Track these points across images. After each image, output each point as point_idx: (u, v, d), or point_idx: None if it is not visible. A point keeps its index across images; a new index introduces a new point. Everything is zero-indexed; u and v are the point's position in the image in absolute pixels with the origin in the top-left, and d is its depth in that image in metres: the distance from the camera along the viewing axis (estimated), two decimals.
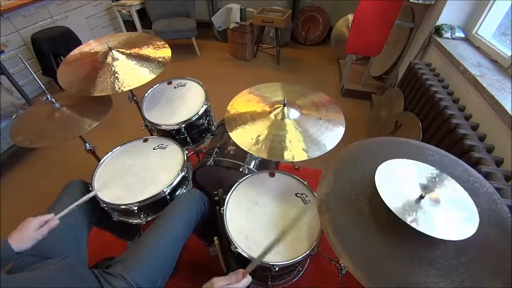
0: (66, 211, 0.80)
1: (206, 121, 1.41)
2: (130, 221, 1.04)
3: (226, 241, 0.86)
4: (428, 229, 0.53)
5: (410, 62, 1.68)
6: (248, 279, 0.65)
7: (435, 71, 1.56)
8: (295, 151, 0.88)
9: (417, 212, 0.57)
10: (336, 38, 2.99)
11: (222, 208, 0.92)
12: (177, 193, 1.08)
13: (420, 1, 1.73)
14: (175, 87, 1.45)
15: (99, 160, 1.11)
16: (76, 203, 0.84)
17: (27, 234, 0.70)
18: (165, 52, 1.23)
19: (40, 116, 1.05)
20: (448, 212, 0.57)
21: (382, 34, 1.94)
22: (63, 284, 0.65)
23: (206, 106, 1.33)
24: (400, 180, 0.63)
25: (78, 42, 2.61)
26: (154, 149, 1.15)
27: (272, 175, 1.04)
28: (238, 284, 0.63)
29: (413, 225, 0.54)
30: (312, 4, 3.26)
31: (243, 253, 0.81)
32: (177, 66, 3.12)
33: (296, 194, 0.97)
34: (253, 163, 1.23)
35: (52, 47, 2.42)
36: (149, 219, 1.05)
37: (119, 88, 1.06)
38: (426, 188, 0.61)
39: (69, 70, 1.14)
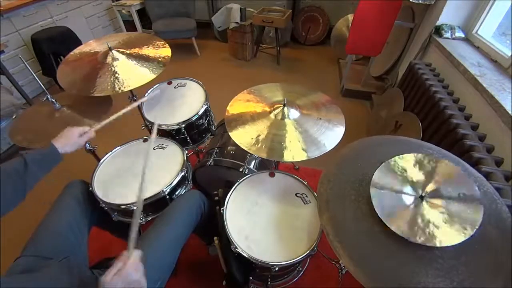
0: (103, 123, 0.89)
1: (206, 121, 1.41)
2: (130, 221, 1.04)
3: (226, 241, 0.86)
4: (428, 239, 0.53)
5: (410, 62, 1.68)
6: (135, 254, 0.59)
7: (435, 71, 1.56)
8: (295, 151, 0.88)
9: (419, 222, 0.57)
10: (336, 38, 2.99)
11: (222, 208, 0.92)
12: (177, 193, 1.08)
13: (420, 1, 1.73)
14: (175, 87, 1.45)
15: (99, 160, 1.11)
16: (121, 111, 0.92)
17: (72, 138, 0.80)
18: (165, 52, 1.23)
19: (40, 116, 1.05)
20: (448, 209, 0.57)
21: (382, 34, 1.94)
22: (63, 284, 0.65)
23: (206, 106, 1.33)
24: (398, 183, 0.63)
25: (78, 42, 2.61)
26: (154, 149, 1.15)
27: (272, 175, 1.04)
28: (128, 265, 0.56)
29: (416, 240, 0.54)
30: (312, 4, 3.26)
31: (243, 253, 0.81)
32: (177, 66, 3.12)
33: (296, 194, 0.97)
34: (253, 163, 1.23)
35: (52, 47, 2.42)
36: (149, 219, 1.05)
37: (119, 89, 1.06)
38: (426, 184, 0.62)
39: (69, 70, 1.14)
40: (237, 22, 2.87)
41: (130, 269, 0.56)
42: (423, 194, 0.60)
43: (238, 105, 1.07)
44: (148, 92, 1.32)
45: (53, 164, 0.79)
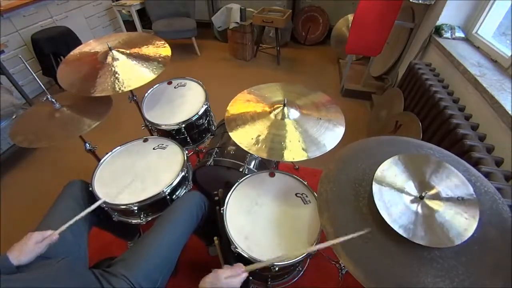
0: (65, 226, 0.77)
1: (206, 121, 1.41)
2: (130, 221, 1.04)
3: (226, 241, 0.86)
4: (426, 238, 0.54)
5: (410, 62, 1.68)
6: (246, 274, 0.67)
7: (435, 71, 1.56)
8: (295, 151, 0.88)
9: (416, 219, 0.57)
10: (336, 38, 2.99)
11: (222, 208, 0.92)
12: (177, 193, 1.08)
13: (420, 1, 1.73)
14: (175, 87, 1.45)
15: (99, 160, 1.11)
16: (77, 217, 0.80)
17: (27, 248, 0.70)
18: (165, 52, 1.22)
19: (40, 116, 1.05)
20: (448, 209, 0.57)
21: (382, 34, 1.94)
22: (63, 284, 0.65)
23: (206, 106, 1.33)
24: (399, 183, 0.63)
25: (78, 42, 2.61)
26: (154, 149, 1.15)
27: (272, 175, 1.04)
28: (239, 277, 0.65)
29: (413, 238, 0.54)
30: (312, 4, 3.26)
31: (243, 253, 0.81)
32: (177, 66, 3.12)
33: (296, 194, 0.97)
34: (253, 163, 1.23)
35: (52, 47, 2.42)
36: (149, 219, 1.05)
37: (120, 89, 1.06)
38: (426, 185, 0.62)
39: (69, 70, 1.14)
40: (237, 22, 2.87)
41: (237, 283, 0.65)
42: (423, 195, 0.60)
43: (238, 105, 1.07)
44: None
45: (7, 273, 0.68)
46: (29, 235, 0.72)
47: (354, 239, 0.58)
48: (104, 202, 0.95)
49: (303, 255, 0.81)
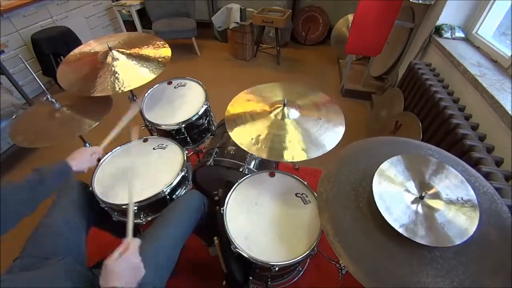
0: (108, 140, 0.95)
1: (206, 121, 1.41)
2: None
3: (226, 241, 0.86)
4: (426, 238, 0.54)
5: (410, 62, 1.68)
6: (135, 241, 0.65)
7: (435, 71, 1.56)
8: (295, 151, 0.88)
9: (417, 219, 0.57)
10: (336, 38, 2.99)
11: (222, 208, 0.92)
12: (177, 193, 1.08)
13: (420, 1, 1.73)
14: (175, 87, 1.45)
15: (99, 160, 1.11)
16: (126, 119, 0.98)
17: (86, 157, 0.86)
18: (165, 52, 1.22)
19: (40, 116, 1.05)
20: (448, 209, 0.57)
21: (382, 34, 1.94)
22: (62, 284, 0.65)
23: (206, 106, 1.33)
24: (399, 183, 0.63)
25: (78, 42, 2.61)
26: (154, 149, 1.15)
27: (272, 175, 1.04)
28: (130, 250, 0.63)
29: (413, 237, 0.54)
30: (312, 4, 3.26)
31: (243, 253, 0.81)
32: (177, 66, 3.12)
33: (296, 194, 0.97)
34: (253, 163, 1.23)
35: (52, 47, 2.42)
36: (149, 219, 1.05)
37: (119, 89, 1.06)
38: (426, 185, 0.62)
39: (69, 70, 1.14)
40: (237, 22, 2.87)
41: (132, 254, 0.62)
42: (423, 194, 0.60)
43: (238, 105, 1.07)
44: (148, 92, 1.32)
45: (65, 179, 0.84)
46: (83, 149, 0.88)
47: (354, 239, 0.58)
48: (104, 202, 0.95)
49: (302, 256, 0.80)
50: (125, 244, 0.64)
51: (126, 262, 0.60)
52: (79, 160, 0.85)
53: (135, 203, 0.94)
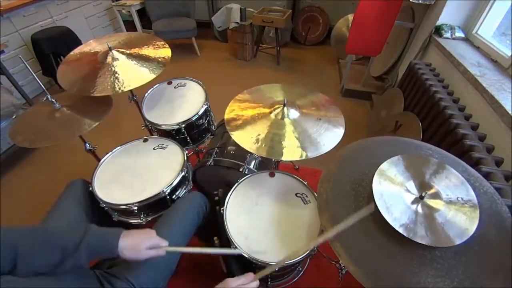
0: (177, 249, 0.76)
1: (206, 121, 1.41)
2: (130, 221, 1.04)
3: (226, 241, 0.86)
4: (427, 238, 0.54)
5: (410, 62, 1.68)
6: (257, 283, 0.65)
7: (435, 71, 1.56)
8: (295, 150, 0.88)
9: (417, 219, 0.57)
10: (336, 38, 2.99)
11: (222, 208, 0.92)
12: (177, 193, 1.08)
13: (420, 1, 1.73)
14: (175, 87, 1.45)
15: (99, 160, 1.11)
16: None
17: (139, 248, 0.65)
18: (165, 52, 1.22)
19: (40, 116, 1.05)
20: (448, 209, 0.57)
21: (382, 34, 1.94)
22: (63, 284, 0.65)
23: (206, 106, 1.33)
24: (399, 183, 0.63)
25: (78, 42, 2.61)
26: (154, 149, 1.15)
27: (272, 175, 1.04)
28: (251, 284, 0.62)
29: (413, 237, 0.54)
30: (312, 4, 3.26)
31: (243, 253, 0.81)
32: (177, 66, 3.12)
33: (296, 194, 0.97)
34: (253, 163, 1.23)
35: (52, 47, 2.42)
36: (149, 219, 1.05)
37: (119, 88, 1.06)
38: (426, 185, 0.62)
39: (69, 70, 1.14)
40: (237, 22, 2.87)
41: None
42: (423, 194, 0.60)
43: (238, 105, 1.07)
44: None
45: (104, 256, 0.68)
46: (149, 234, 0.68)
47: (354, 239, 0.58)
48: (104, 202, 0.95)
49: (308, 251, 0.80)
50: (251, 277, 0.63)
51: None
52: (132, 246, 0.64)
53: (135, 203, 0.94)
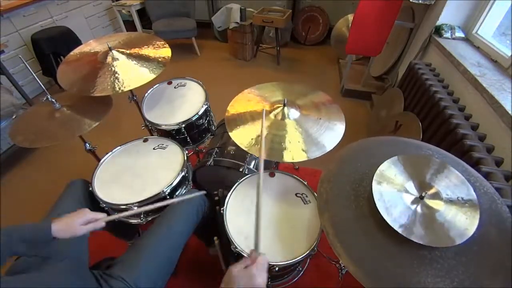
0: (115, 216, 0.77)
1: (206, 121, 1.41)
2: (130, 221, 1.04)
3: (226, 241, 0.86)
4: (427, 238, 0.53)
5: (410, 62, 1.68)
6: (265, 258, 0.60)
7: (435, 71, 1.56)
8: (295, 151, 0.88)
9: (417, 219, 0.57)
10: (336, 38, 2.99)
11: (222, 208, 0.92)
12: (177, 193, 1.08)
13: (420, 1, 1.73)
14: (175, 87, 1.45)
15: (99, 160, 1.11)
16: (167, 202, 0.81)
17: (72, 225, 0.69)
18: (165, 52, 1.22)
19: (40, 116, 1.05)
20: (448, 209, 0.57)
21: (382, 34, 1.94)
22: (63, 285, 0.65)
23: (206, 106, 1.33)
24: (399, 183, 0.63)
25: (78, 42, 2.61)
26: (154, 149, 1.15)
27: (272, 175, 1.04)
28: (255, 265, 0.58)
29: (413, 237, 0.54)
30: (312, 4, 3.26)
31: (243, 253, 0.81)
32: (177, 66, 3.12)
33: (296, 194, 0.97)
34: (253, 163, 1.23)
35: (52, 47, 2.42)
36: (149, 219, 1.05)
37: (119, 88, 1.06)
38: (426, 185, 0.62)
39: (69, 70, 1.14)
40: (237, 22, 2.87)
41: (256, 270, 0.56)
42: (423, 194, 0.60)
43: (238, 105, 1.07)
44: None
45: (42, 246, 0.69)
46: (80, 213, 0.71)
47: (354, 239, 0.58)
48: (104, 202, 0.95)
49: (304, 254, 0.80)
50: (253, 258, 0.60)
51: (248, 278, 0.56)
52: (64, 227, 0.68)
53: (135, 203, 0.94)
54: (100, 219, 0.74)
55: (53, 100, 1.05)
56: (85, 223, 0.71)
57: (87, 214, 0.72)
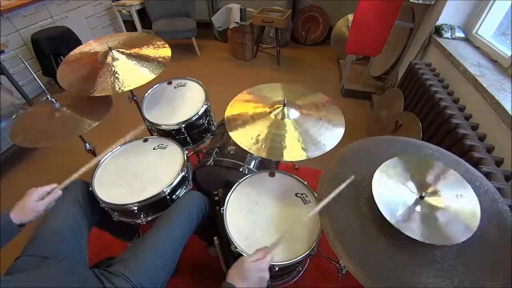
0: (67, 182, 0.78)
1: (206, 121, 1.41)
2: (130, 221, 1.04)
3: (226, 241, 0.86)
4: (427, 236, 0.53)
5: (410, 62, 1.68)
6: (272, 255, 0.65)
7: (435, 71, 1.56)
8: (295, 151, 0.88)
9: (417, 218, 0.57)
10: (336, 38, 2.99)
11: (222, 208, 0.92)
12: (177, 193, 1.08)
13: (420, 1, 1.73)
14: (175, 87, 1.45)
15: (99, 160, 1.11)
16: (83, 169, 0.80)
17: (29, 205, 0.69)
18: (165, 52, 1.22)
19: (40, 116, 1.05)
20: (449, 208, 0.57)
21: (382, 34, 1.94)
22: (63, 285, 0.65)
23: (206, 106, 1.33)
24: (399, 183, 0.63)
25: (78, 42, 2.61)
26: (154, 149, 1.15)
27: (272, 175, 1.04)
28: (265, 260, 0.63)
29: (413, 235, 0.54)
30: (312, 4, 3.26)
31: (243, 253, 0.81)
32: (177, 66, 3.12)
33: (296, 194, 0.97)
34: (253, 163, 1.23)
35: (52, 47, 2.42)
36: (149, 219, 1.05)
37: (119, 88, 1.06)
38: (426, 185, 0.62)
39: (69, 70, 1.14)
40: (237, 22, 2.87)
41: (265, 264, 0.61)
42: (423, 194, 0.60)
43: (238, 105, 1.07)
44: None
45: (9, 235, 0.69)
46: (29, 192, 0.71)
47: (354, 239, 0.58)
48: (104, 202, 0.95)
49: (305, 254, 0.80)
50: (264, 252, 0.64)
51: (258, 269, 0.60)
52: (20, 209, 0.69)
53: (135, 203, 0.94)
54: (55, 187, 0.74)
55: (53, 100, 1.05)
56: (40, 198, 0.71)
57: (36, 190, 0.72)
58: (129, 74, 1.11)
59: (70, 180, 0.78)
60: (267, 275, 0.61)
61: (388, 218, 0.57)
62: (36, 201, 0.70)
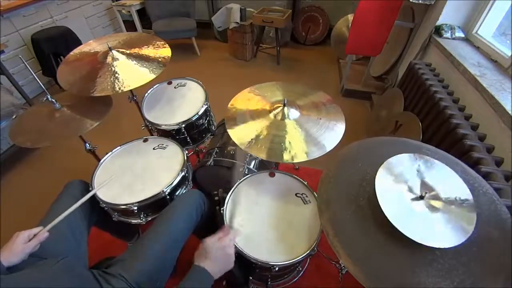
0: (55, 222, 0.78)
1: (206, 121, 1.41)
2: (130, 221, 1.04)
3: None
4: (427, 238, 0.54)
5: (410, 62, 1.68)
6: (235, 232, 0.68)
7: (435, 71, 1.56)
8: (295, 151, 0.88)
9: (417, 218, 0.57)
10: (336, 38, 2.99)
11: (222, 208, 0.92)
12: (177, 193, 1.08)
13: (420, 1, 1.73)
14: (175, 87, 1.45)
15: (99, 160, 1.11)
16: (66, 212, 0.80)
17: (16, 248, 0.70)
18: (165, 52, 1.22)
19: (41, 116, 1.05)
20: (447, 210, 0.57)
21: (382, 34, 1.94)
22: (63, 284, 0.65)
23: (206, 106, 1.33)
24: (401, 182, 0.63)
25: (78, 42, 2.61)
26: (154, 149, 1.15)
27: (272, 175, 1.04)
28: (228, 237, 0.65)
29: (412, 236, 0.54)
30: (312, 4, 3.26)
31: (243, 253, 0.81)
32: (177, 66, 3.12)
33: (296, 194, 0.97)
34: (253, 163, 1.23)
35: (52, 47, 2.42)
36: (149, 219, 1.05)
37: (119, 88, 1.06)
38: (425, 185, 0.62)
39: (69, 70, 1.14)
40: (237, 22, 2.87)
41: (228, 240, 0.64)
42: (423, 194, 0.60)
43: (238, 105, 1.07)
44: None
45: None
46: (16, 235, 0.72)
47: (354, 239, 0.58)
48: (104, 202, 0.95)
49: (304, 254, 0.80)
50: (226, 230, 0.66)
51: (220, 248, 0.63)
52: (9, 251, 0.69)
53: (135, 203, 0.94)
54: (41, 230, 0.74)
55: (53, 100, 1.05)
56: (27, 240, 0.72)
57: (22, 233, 0.73)
58: (129, 74, 1.11)
59: (58, 221, 0.78)
60: (231, 251, 0.64)
61: (388, 217, 0.57)
62: (23, 243, 0.71)
